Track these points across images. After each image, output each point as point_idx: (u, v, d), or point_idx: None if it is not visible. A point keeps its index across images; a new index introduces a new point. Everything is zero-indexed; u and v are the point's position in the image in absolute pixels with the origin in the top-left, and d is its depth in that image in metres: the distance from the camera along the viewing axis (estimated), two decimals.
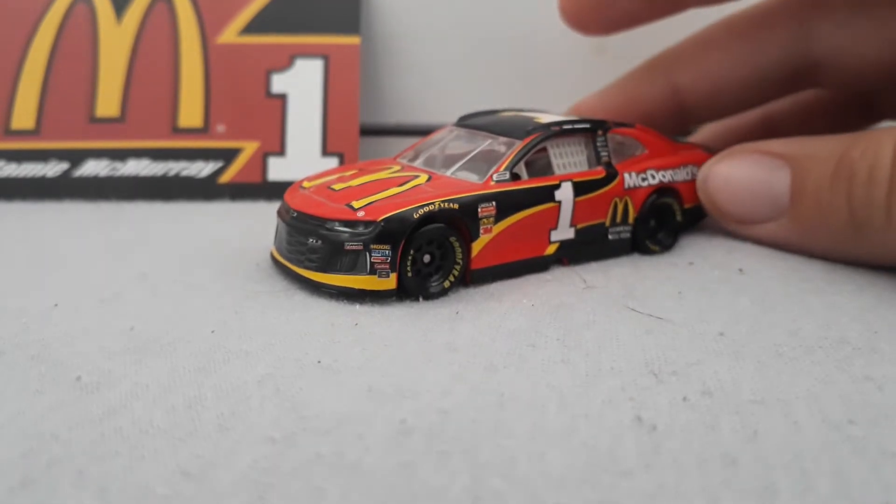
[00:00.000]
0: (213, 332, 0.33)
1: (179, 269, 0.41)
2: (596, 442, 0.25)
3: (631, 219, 0.45)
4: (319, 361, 0.30)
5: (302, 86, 0.59)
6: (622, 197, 0.44)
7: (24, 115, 0.57)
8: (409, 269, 0.36)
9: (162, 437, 0.24)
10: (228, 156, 0.58)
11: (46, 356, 0.30)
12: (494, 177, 0.39)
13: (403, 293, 0.37)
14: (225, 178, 0.58)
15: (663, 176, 0.46)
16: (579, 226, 0.43)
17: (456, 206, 0.37)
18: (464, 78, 0.65)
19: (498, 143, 0.42)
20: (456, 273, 0.38)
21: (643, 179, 0.45)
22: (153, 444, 0.24)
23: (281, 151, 0.58)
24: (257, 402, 0.27)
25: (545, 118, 0.45)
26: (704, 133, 0.59)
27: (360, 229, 0.36)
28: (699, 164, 0.48)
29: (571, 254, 0.43)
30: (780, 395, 0.28)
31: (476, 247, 0.39)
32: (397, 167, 0.43)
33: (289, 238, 0.39)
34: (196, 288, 0.38)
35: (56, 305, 0.35)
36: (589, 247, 0.43)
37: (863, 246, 0.40)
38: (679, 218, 0.47)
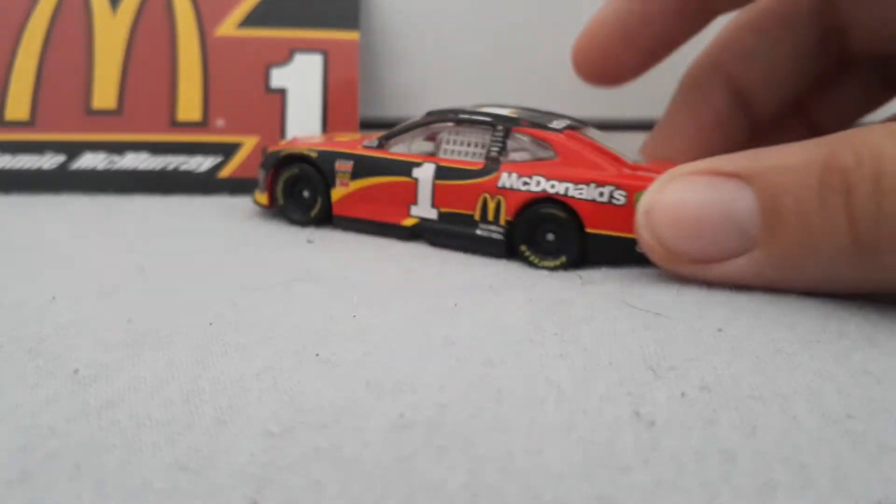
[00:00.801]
0: (210, 324, 0.33)
1: (178, 262, 0.41)
2: (594, 437, 0.25)
3: (503, 220, 0.43)
4: (318, 355, 0.30)
5: (302, 80, 0.59)
6: (494, 195, 0.43)
7: (17, 105, 0.57)
8: (279, 193, 0.50)
9: (159, 431, 0.24)
10: (228, 150, 0.58)
11: (44, 349, 0.30)
12: (364, 143, 0.47)
13: (282, 213, 0.50)
14: (224, 172, 0.57)
15: (553, 186, 0.41)
16: (443, 209, 0.44)
17: (315, 154, 0.48)
18: (463, 73, 0.65)
19: (410, 121, 0.48)
20: (318, 208, 0.48)
21: (524, 183, 0.42)
22: (151, 437, 0.24)
23: None
24: (255, 395, 0.27)
25: (492, 111, 0.46)
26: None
27: (263, 156, 0.51)
28: (634, 190, 0.41)
29: (435, 236, 0.45)
30: (779, 390, 0.28)
31: (335, 195, 0.48)
32: (358, 135, 0.53)
33: None
34: (194, 281, 0.38)
35: (53, 298, 0.35)
36: (454, 235, 0.45)
37: (870, 270, 0.34)
38: (572, 237, 0.42)
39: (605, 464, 0.23)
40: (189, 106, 0.58)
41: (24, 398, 0.26)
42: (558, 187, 0.42)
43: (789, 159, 0.35)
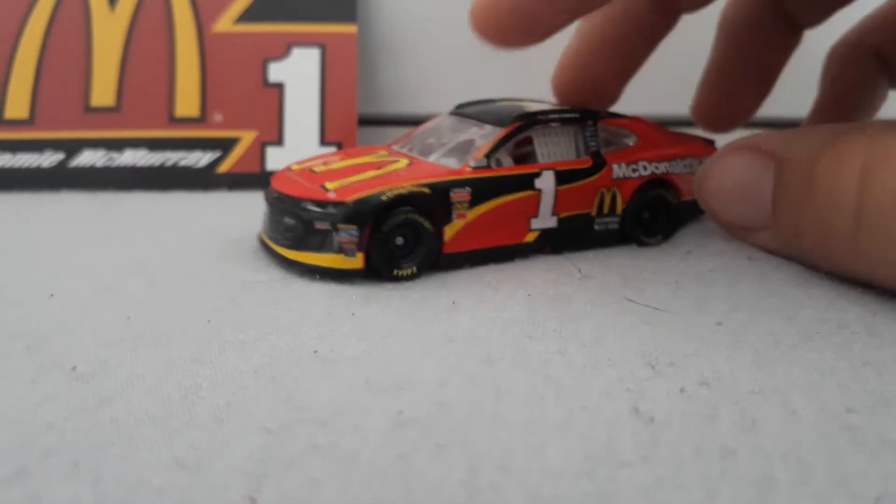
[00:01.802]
0: (209, 321, 0.32)
1: (176, 259, 0.41)
2: (593, 434, 0.24)
3: (619, 210, 0.44)
4: (316, 352, 0.30)
5: (299, 74, 0.58)
6: (610, 187, 0.44)
7: (17, 104, 0.56)
8: (382, 250, 0.37)
9: (157, 428, 0.24)
10: (226, 145, 0.58)
11: (42, 346, 0.30)
12: (471, 163, 0.40)
13: (374, 274, 0.37)
14: (223, 167, 0.57)
15: (656, 167, 0.45)
16: (563, 215, 0.42)
17: (427, 190, 0.38)
18: (463, 67, 0.65)
19: (483, 131, 0.43)
20: (425, 257, 0.38)
21: (633, 170, 0.44)
22: (148, 434, 0.24)
23: (279, 141, 0.58)
24: (253, 392, 0.27)
25: (538, 107, 0.44)
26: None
27: (330, 209, 0.37)
28: (699, 156, 0.47)
29: (554, 243, 0.43)
30: (779, 384, 0.28)
31: (449, 231, 0.39)
32: (384, 152, 0.44)
33: (271, 217, 0.41)
34: (192, 278, 0.38)
35: (52, 295, 0.35)
36: (573, 236, 0.43)
37: (832, 264, 0.37)
38: (673, 211, 0.46)
39: (604, 460, 0.23)
40: (187, 102, 0.57)
41: (22, 395, 0.26)
42: (661, 167, 0.45)
43: (802, 149, 0.37)
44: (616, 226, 0.44)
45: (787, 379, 0.28)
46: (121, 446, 0.23)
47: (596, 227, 0.44)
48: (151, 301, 0.35)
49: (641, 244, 0.45)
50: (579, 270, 0.40)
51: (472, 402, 0.26)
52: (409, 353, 0.30)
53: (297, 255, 0.38)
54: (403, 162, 0.41)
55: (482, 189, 0.39)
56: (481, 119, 0.43)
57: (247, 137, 0.58)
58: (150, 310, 0.34)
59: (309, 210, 0.37)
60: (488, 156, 0.40)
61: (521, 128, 0.42)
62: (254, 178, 0.57)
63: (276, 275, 0.39)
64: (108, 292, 0.36)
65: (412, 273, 0.38)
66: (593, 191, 0.43)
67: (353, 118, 0.59)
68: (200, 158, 0.57)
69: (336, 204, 0.37)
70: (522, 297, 0.36)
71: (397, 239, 0.38)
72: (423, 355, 0.30)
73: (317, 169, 0.41)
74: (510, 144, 0.42)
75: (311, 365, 0.29)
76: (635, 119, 0.47)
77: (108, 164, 0.57)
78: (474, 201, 0.39)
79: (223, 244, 0.43)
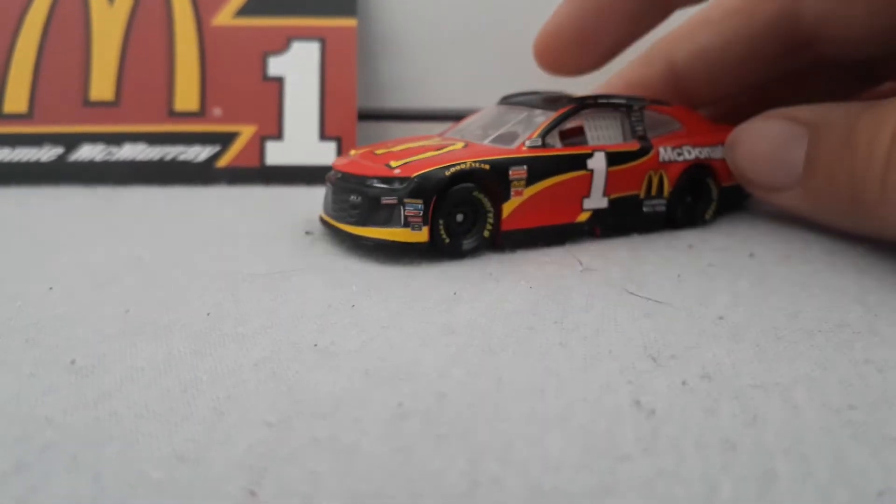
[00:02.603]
0: (208, 314, 0.32)
1: (175, 252, 0.41)
2: (594, 426, 0.24)
3: (666, 192, 0.45)
4: (316, 344, 0.30)
5: (299, 69, 0.58)
6: (657, 170, 0.45)
7: (16, 98, 0.56)
8: (441, 226, 0.39)
9: (157, 422, 0.24)
10: (225, 140, 0.57)
11: (41, 340, 0.30)
12: (527, 143, 0.41)
13: (435, 249, 0.39)
14: (222, 162, 0.57)
15: (699, 152, 0.47)
16: (613, 196, 0.43)
17: (487, 166, 0.39)
18: (463, 61, 0.65)
19: (534, 115, 0.44)
20: (488, 232, 0.40)
21: (679, 154, 0.46)
22: (148, 428, 0.24)
23: (278, 135, 0.58)
24: (253, 385, 0.27)
25: (585, 94, 0.46)
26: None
27: (396, 185, 0.38)
28: None
29: (605, 223, 0.44)
30: (780, 379, 0.28)
31: (507, 208, 0.40)
32: (438, 139, 0.45)
33: (334, 197, 0.42)
34: (192, 271, 0.38)
35: (51, 289, 0.35)
36: (623, 218, 0.44)
37: (861, 221, 0.40)
38: (715, 196, 0.47)
39: (604, 453, 0.23)
40: (186, 96, 0.57)
41: (20, 389, 0.26)
42: (704, 152, 0.47)
43: (837, 117, 0.41)
44: (663, 208, 0.45)
45: (789, 374, 0.28)
46: (120, 440, 0.23)
47: (644, 208, 0.45)
48: (150, 294, 0.35)
49: (683, 226, 0.46)
50: (581, 263, 0.40)
51: (472, 393, 0.26)
52: (409, 345, 0.30)
53: (363, 231, 0.39)
54: (460, 144, 0.42)
55: (538, 167, 0.41)
56: (531, 105, 0.45)
57: (246, 132, 0.58)
58: (150, 303, 0.34)
59: (375, 187, 0.39)
60: (542, 136, 0.42)
61: (573, 110, 0.43)
62: (253, 172, 0.57)
63: (275, 268, 0.38)
64: (107, 286, 0.36)
65: (475, 246, 0.40)
66: (642, 173, 0.44)
67: (353, 112, 0.58)
68: (200, 153, 0.57)
69: (402, 179, 0.38)
70: (524, 289, 0.36)
71: (458, 216, 0.39)
72: (424, 346, 0.30)
73: (378, 151, 0.43)
74: (560, 128, 0.43)
75: (311, 357, 0.29)
76: (678, 107, 0.48)
77: (108, 158, 0.56)
78: (531, 179, 0.41)
79: (222, 238, 0.43)
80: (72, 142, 0.56)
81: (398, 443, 0.23)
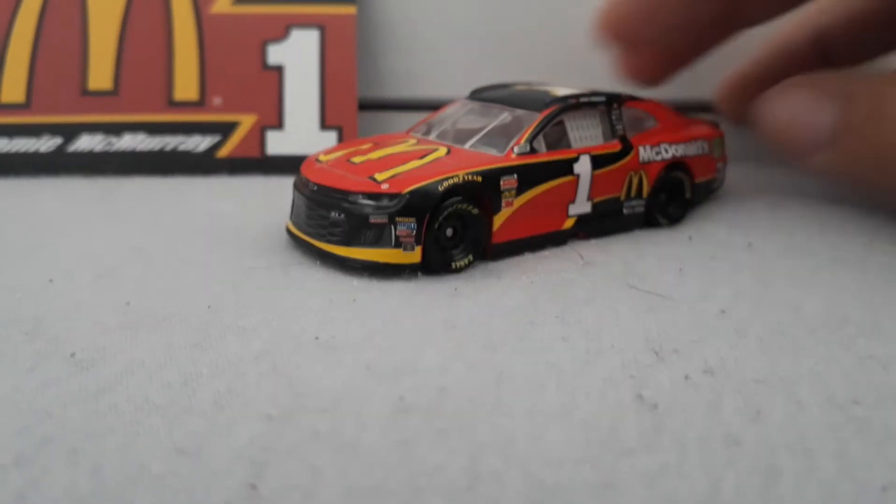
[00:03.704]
0: (209, 307, 0.32)
1: (176, 244, 0.41)
2: (596, 421, 0.24)
3: (645, 193, 0.44)
4: (317, 338, 0.30)
5: (299, 57, 0.58)
6: (637, 171, 0.44)
7: (13, 88, 0.56)
8: (435, 242, 0.36)
9: (157, 414, 0.24)
10: (226, 129, 0.57)
11: (41, 332, 0.30)
12: (515, 149, 0.39)
13: (427, 267, 0.36)
14: (223, 152, 0.57)
15: (676, 150, 0.46)
16: (596, 199, 0.42)
17: (479, 178, 0.37)
18: (464, 50, 0.64)
19: (515, 116, 0.42)
20: (479, 247, 0.38)
21: (657, 153, 0.45)
22: (148, 421, 0.24)
23: (279, 125, 0.57)
24: (254, 378, 0.26)
25: (559, 91, 0.44)
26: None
27: (385, 202, 0.35)
28: (709, 138, 0.49)
29: (588, 228, 0.42)
30: (783, 373, 0.28)
31: (497, 220, 0.38)
32: (413, 141, 0.42)
33: (308, 212, 0.38)
34: (192, 263, 0.38)
35: (51, 281, 0.35)
36: (605, 221, 0.43)
37: (891, 187, 0.40)
38: (689, 193, 0.47)
39: (607, 448, 0.23)
40: (186, 85, 0.57)
41: (20, 382, 0.26)
42: (680, 150, 0.46)
43: (868, 85, 0.41)
44: (642, 209, 0.45)
45: (792, 369, 0.28)
46: (120, 433, 0.23)
47: (625, 210, 0.44)
48: (151, 286, 0.35)
49: (657, 225, 0.45)
50: (581, 257, 0.40)
51: (473, 388, 0.26)
52: (410, 340, 0.30)
53: (348, 252, 0.36)
54: (442, 150, 0.39)
55: (528, 175, 0.39)
56: (508, 104, 0.43)
57: (246, 121, 0.57)
58: (150, 295, 0.33)
59: (361, 203, 0.36)
60: (530, 141, 0.40)
61: (556, 111, 0.41)
62: (254, 162, 0.57)
63: (276, 261, 0.38)
64: (107, 278, 0.36)
65: (468, 263, 0.37)
66: (623, 174, 0.43)
67: (354, 102, 0.58)
68: (200, 143, 0.57)
69: (392, 196, 0.35)
70: (524, 284, 0.36)
71: (447, 230, 0.37)
72: (425, 341, 0.30)
73: (355, 160, 0.39)
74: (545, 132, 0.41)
75: (312, 351, 0.29)
76: (653, 102, 0.47)
77: (107, 148, 0.56)
78: (521, 188, 0.39)
79: (223, 229, 0.43)
80: (70, 132, 0.56)
81: (399, 437, 0.23)
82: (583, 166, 0.41)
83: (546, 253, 0.40)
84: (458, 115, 0.45)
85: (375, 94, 0.64)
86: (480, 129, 0.42)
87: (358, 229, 0.36)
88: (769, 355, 0.29)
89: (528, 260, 0.39)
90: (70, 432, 0.23)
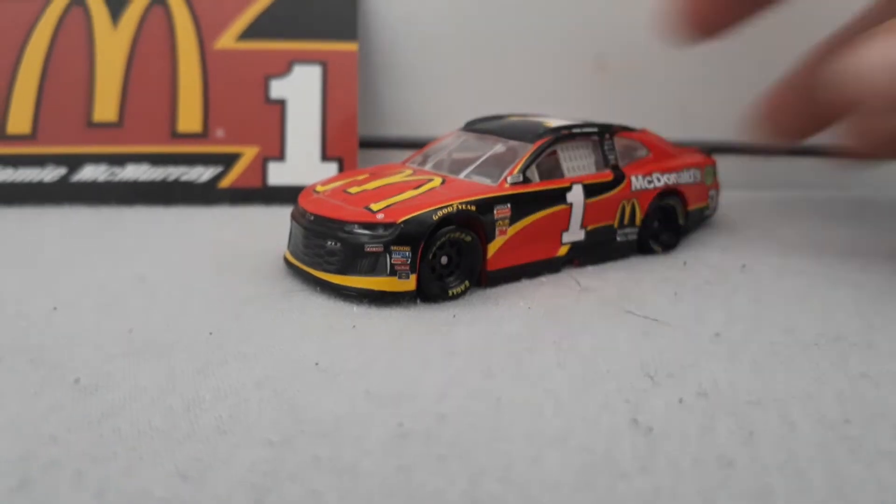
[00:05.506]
0: (211, 334, 0.33)
1: (178, 272, 0.41)
2: (592, 445, 0.25)
3: (638, 220, 0.46)
4: (317, 364, 0.30)
5: (301, 91, 0.59)
6: (629, 199, 0.45)
7: (20, 120, 0.57)
8: (430, 270, 0.37)
9: (160, 439, 0.24)
10: (228, 161, 0.58)
11: (45, 359, 0.30)
12: (508, 179, 0.40)
13: (422, 295, 0.37)
14: (225, 182, 0.58)
15: (668, 178, 0.47)
16: (589, 227, 0.43)
17: (473, 207, 0.38)
18: (464, 88, 0.65)
19: (508, 147, 0.43)
20: (473, 274, 0.39)
21: (649, 182, 0.46)
22: (151, 445, 0.24)
23: (281, 156, 0.58)
24: (255, 404, 0.27)
25: (552, 122, 0.45)
26: None
27: (380, 231, 0.36)
28: (701, 166, 0.50)
29: (582, 255, 0.43)
30: (776, 395, 0.28)
31: (492, 248, 0.39)
32: (409, 171, 0.43)
33: (306, 241, 0.39)
34: (195, 291, 0.38)
35: (55, 309, 0.35)
36: (598, 248, 0.44)
37: None
38: (681, 220, 0.48)
39: (603, 471, 0.23)
40: (189, 117, 0.58)
41: (25, 407, 0.26)
42: (672, 178, 0.47)
43: None
44: (635, 236, 0.46)
45: (785, 390, 0.28)
46: (124, 458, 0.23)
47: (618, 238, 0.45)
48: (154, 314, 0.35)
49: (651, 252, 0.46)
50: (578, 283, 0.40)
51: (472, 414, 0.27)
52: (409, 366, 0.30)
53: (344, 281, 0.37)
54: (437, 180, 0.40)
55: (521, 205, 0.40)
56: (502, 135, 0.44)
57: (249, 153, 0.58)
58: (153, 323, 0.34)
59: (357, 233, 0.37)
60: (523, 171, 0.41)
61: (549, 142, 0.42)
62: (256, 193, 0.58)
63: (276, 288, 0.39)
64: (110, 306, 0.36)
65: (464, 290, 0.38)
66: (616, 203, 0.44)
67: (354, 135, 0.59)
68: (202, 173, 0.58)
69: (387, 225, 0.36)
70: (522, 310, 0.36)
71: (442, 258, 0.38)
72: (424, 368, 0.30)
73: (351, 190, 0.40)
74: (537, 162, 0.42)
75: (312, 377, 0.29)
76: (644, 132, 0.49)
77: (111, 178, 0.57)
78: (514, 217, 0.40)
79: (225, 258, 0.44)
80: (75, 162, 0.57)
81: (399, 462, 0.24)
82: (576, 195, 0.42)
83: (543, 279, 0.41)
84: (453, 145, 0.46)
85: (376, 132, 0.65)
86: (475, 160, 0.43)
87: (353, 258, 0.37)
88: (762, 377, 0.29)
89: (525, 286, 0.40)
90: (74, 456, 0.23)
